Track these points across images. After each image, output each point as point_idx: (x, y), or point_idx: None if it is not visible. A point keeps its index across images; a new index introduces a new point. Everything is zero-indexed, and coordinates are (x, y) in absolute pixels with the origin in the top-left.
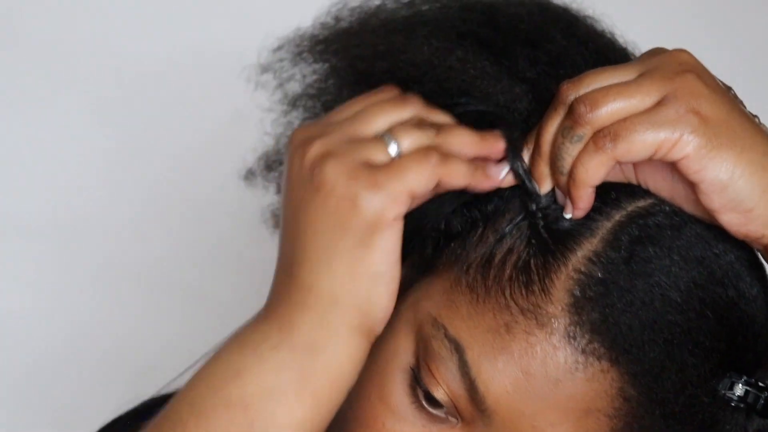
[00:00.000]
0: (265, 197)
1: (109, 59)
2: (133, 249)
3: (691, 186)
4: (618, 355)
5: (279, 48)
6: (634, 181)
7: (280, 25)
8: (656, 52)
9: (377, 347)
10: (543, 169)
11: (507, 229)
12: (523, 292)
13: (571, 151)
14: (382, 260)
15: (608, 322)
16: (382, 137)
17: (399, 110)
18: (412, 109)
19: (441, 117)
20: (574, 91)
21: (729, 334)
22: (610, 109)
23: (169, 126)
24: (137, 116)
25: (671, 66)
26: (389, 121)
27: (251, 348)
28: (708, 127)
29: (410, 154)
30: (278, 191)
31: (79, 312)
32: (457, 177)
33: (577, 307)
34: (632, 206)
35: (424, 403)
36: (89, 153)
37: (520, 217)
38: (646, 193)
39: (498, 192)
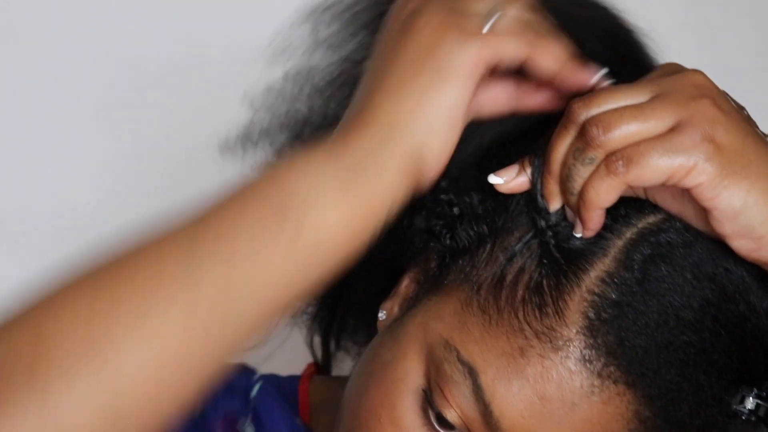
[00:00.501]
0: None
1: (110, 59)
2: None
3: (703, 209)
4: (634, 378)
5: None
6: (643, 197)
7: (283, 26)
8: (670, 71)
9: (386, 369)
10: (553, 188)
11: (517, 248)
12: (537, 314)
13: (582, 173)
14: (449, 105)
15: (624, 345)
16: (486, 13)
17: (519, 6)
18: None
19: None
20: (585, 110)
21: (742, 350)
22: (624, 133)
23: (170, 126)
24: (138, 116)
25: (687, 89)
26: (498, 6)
27: (302, 169)
28: (723, 155)
29: (510, 22)
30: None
31: None
32: (549, 58)
33: (592, 329)
34: (643, 223)
35: (435, 425)
36: (89, 153)
37: (529, 235)
38: (655, 208)
39: (505, 207)
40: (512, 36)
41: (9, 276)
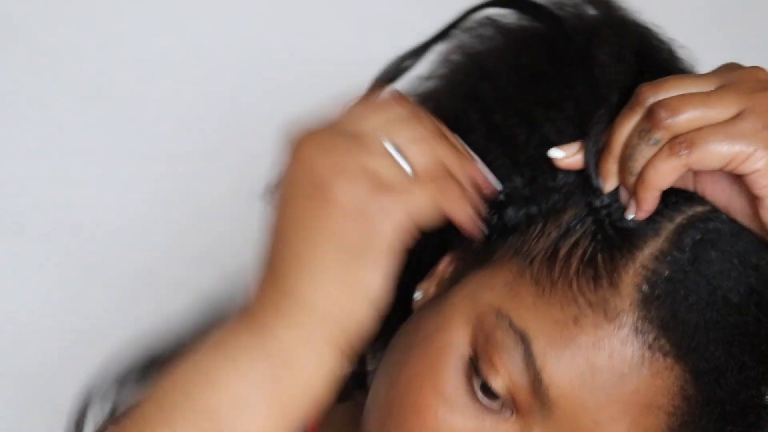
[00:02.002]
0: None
1: (110, 59)
2: (133, 249)
3: (752, 200)
4: (684, 352)
5: None
6: (691, 189)
7: (281, 26)
8: (733, 67)
9: (429, 339)
10: (611, 167)
11: (571, 225)
12: (591, 285)
13: (645, 153)
14: (376, 281)
15: (676, 319)
16: (394, 152)
17: (413, 125)
18: (426, 125)
19: (454, 140)
20: (653, 94)
21: None
22: (690, 117)
23: (170, 125)
24: (137, 116)
25: (751, 82)
26: (402, 134)
27: (228, 354)
28: None
29: (422, 178)
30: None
31: (77, 311)
32: (462, 215)
33: (646, 302)
34: (692, 210)
35: (479, 393)
36: (88, 153)
37: (584, 213)
38: (702, 200)
39: (558, 188)
40: (430, 198)
41: (8, 275)
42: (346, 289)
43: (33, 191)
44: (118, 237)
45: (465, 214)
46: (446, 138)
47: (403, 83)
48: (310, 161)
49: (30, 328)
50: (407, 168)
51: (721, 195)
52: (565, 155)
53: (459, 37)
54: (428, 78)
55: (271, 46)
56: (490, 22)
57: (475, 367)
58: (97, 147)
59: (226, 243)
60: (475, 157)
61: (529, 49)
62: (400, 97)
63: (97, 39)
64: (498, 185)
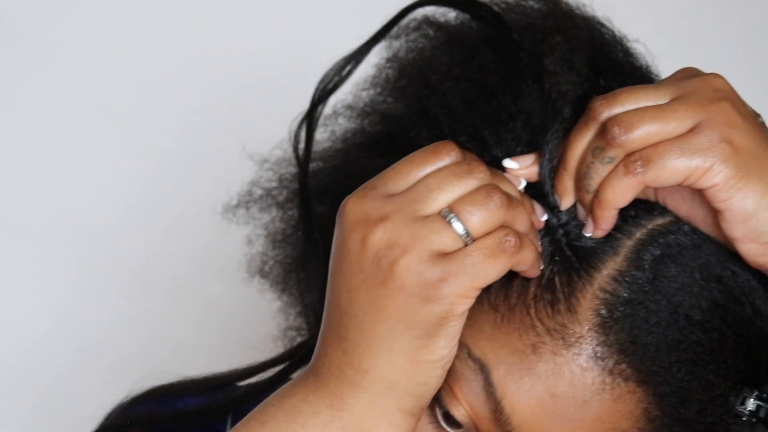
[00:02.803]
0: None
1: (109, 59)
2: (132, 248)
3: (713, 212)
4: (645, 376)
5: None
6: (652, 199)
7: (280, 27)
8: (689, 74)
9: None
10: (567, 184)
11: None
12: (549, 311)
13: (600, 172)
14: (445, 347)
15: (636, 342)
16: (448, 218)
17: (464, 182)
18: (477, 179)
19: (507, 185)
20: (607, 108)
21: (747, 352)
22: (644, 133)
23: (169, 125)
24: (138, 116)
25: (706, 92)
26: (454, 195)
27: (301, 421)
28: (739, 157)
29: (481, 241)
30: (268, 237)
31: (76, 312)
32: (528, 265)
33: (605, 327)
34: (652, 224)
35: (442, 422)
36: (88, 152)
37: (541, 233)
38: (663, 210)
39: None
40: (490, 265)
41: (6, 275)
42: (415, 360)
43: (31, 191)
44: (118, 237)
45: (527, 265)
46: (499, 190)
47: (346, 88)
48: (363, 231)
49: (30, 328)
50: (464, 233)
51: (682, 205)
52: (519, 166)
53: (402, 39)
54: (374, 85)
55: (271, 47)
56: (431, 22)
57: (436, 397)
58: (97, 147)
59: (226, 243)
60: (526, 197)
61: (476, 60)
62: (448, 146)
63: (97, 39)
64: (544, 216)
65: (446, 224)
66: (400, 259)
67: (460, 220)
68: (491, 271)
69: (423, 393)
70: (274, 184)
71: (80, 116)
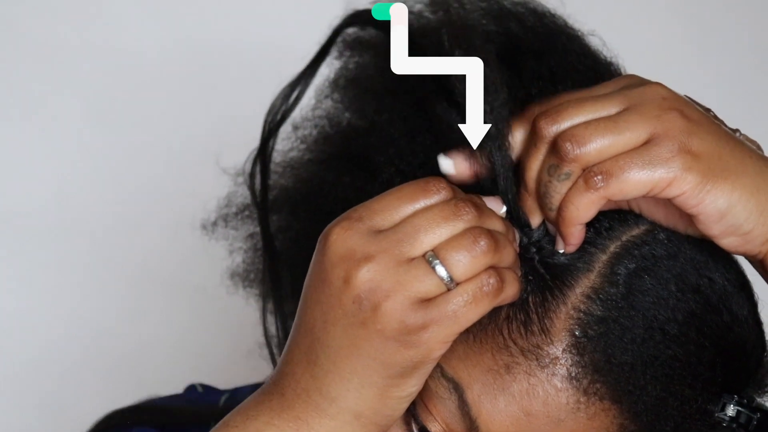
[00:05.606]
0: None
1: (108, 59)
2: (132, 249)
3: (687, 215)
4: (620, 395)
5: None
6: (626, 208)
7: (278, 26)
8: (633, 82)
9: None
10: (531, 204)
11: None
12: (522, 332)
13: (559, 189)
14: (415, 385)
15: (611, 362)
16: (433, 264)
17: (451, 224)
18: (464, 221)
19: (494, 221)
20: (554, 125)
21: (725, 360)
22: (599, 146)
23: (167, 125)
24: (135, 116)
25: (655, 101)
26: (440, 238)
27: None
28: (701, 163)
29: (464, 286)
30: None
31: (74, 311)
32: (509, 300)
33: (579, 347)
34: (626, 236)
35: None
36: (87, 152)
37: None
38: (638, 218)
39: None
40: (471, 311)
41: (5, 274)
42: (385, 396)
43: (31, 190)
44: (119, 237)
45: (509, 301)
46: (486, 234)
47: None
48: (346, 268)
49: (30, 327)
50: (448, 279)
51: (657, 211)
52: (456, 168)
53: (341, 61)
54: (326, 117)
55: (271, 46)
56: (362, 43)
57: (413, 414)
58: (97, 147)
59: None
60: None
61: (401, 95)
62: (437, 184)
63: (98, 39)
64: (522, 240)
65: (430, 270)
66: (382, 303)
67: (444, 265)
68: (472, 315)
69: (386, 423)
70: (248, 200)
71: (80, 116)
